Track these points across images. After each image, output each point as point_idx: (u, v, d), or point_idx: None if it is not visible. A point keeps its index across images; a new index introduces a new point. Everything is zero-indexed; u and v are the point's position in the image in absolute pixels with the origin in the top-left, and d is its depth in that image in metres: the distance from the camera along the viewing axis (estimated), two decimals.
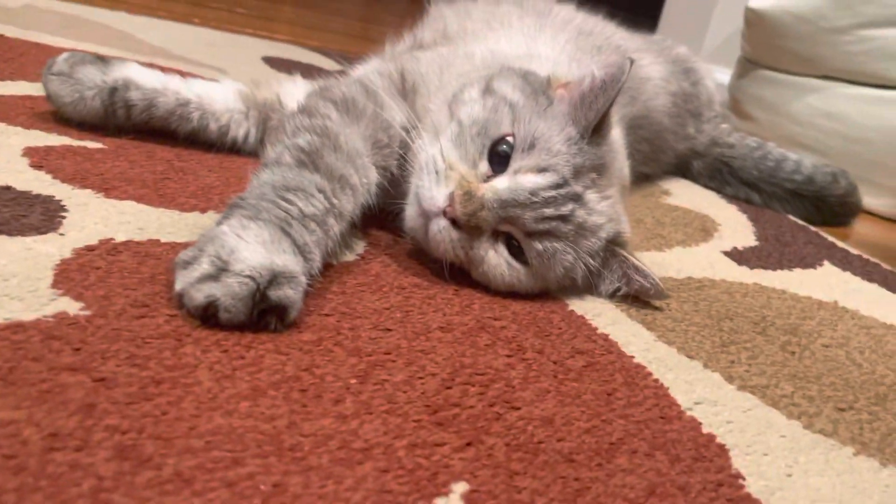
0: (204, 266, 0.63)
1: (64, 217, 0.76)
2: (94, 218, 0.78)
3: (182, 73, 1.39)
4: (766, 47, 1.99)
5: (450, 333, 0.73)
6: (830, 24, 1.81)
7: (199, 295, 0.62)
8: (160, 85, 0.99)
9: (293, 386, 0.59)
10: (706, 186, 1.59)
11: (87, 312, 0.61)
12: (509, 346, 0.73)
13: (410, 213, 0.84)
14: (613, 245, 0.85)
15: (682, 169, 1.60)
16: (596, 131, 0.84)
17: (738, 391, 0.75)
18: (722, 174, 1.57)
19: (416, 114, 0.91)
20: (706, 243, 1.21)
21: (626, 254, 0.85)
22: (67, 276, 0.66)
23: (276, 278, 0.65)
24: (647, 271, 0.85)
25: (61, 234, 0.73)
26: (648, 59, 1.40)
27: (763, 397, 0.75)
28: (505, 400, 0.64)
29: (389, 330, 0.71)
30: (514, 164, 0.81)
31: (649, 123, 1.33)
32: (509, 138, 0.81)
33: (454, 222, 0.79)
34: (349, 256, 0.84)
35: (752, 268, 1.14)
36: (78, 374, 0.54)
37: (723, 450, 0.64)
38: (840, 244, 1.40)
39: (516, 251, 0.82)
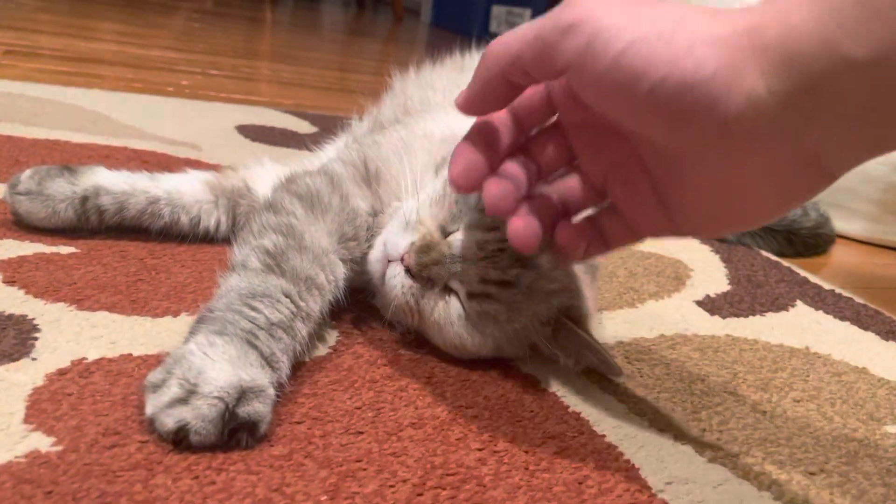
0: (173, 390, 0.65)
1: (36, 339, 0.78)
2: (67, 335, 0.79)
3: (156, 153, 1.41)
4: None
5: (421, 430, 0.74)
6: None
7: (170, 420, 0.63)
8: (129, 187, 1.02)
9: None
10: None
11: (59, 448, 0.62)
12: (480, 437, 0.74)
13: (374, 256, 0.88)
14: (565, 317, 0.84)
15: None
16: None
17: (709, 464, 0.76)
18: None
19: (380, 199, 0.94)
20: (678, 293, 1.22)
21: (576, 329, 0.84)
22: (39, 408, 0.67)
23: (244, 395, 0.66)
24: (598, 348, 0.83)
25: (34, 359, 0.74)
26: None
27: (734, 468, 0.76)
28: (476, 502, 0.65)
29: (361, 433, 0.72)
30: (468, 220, 0.83)
31: None
32: None
33: (409, 271, 0.83)
34: (321, 350, 0.86)
35: (724, 317, 1.16)
36: None
37: None
38: (813, 279, 1.42)
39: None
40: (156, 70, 2.36)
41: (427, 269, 0.82)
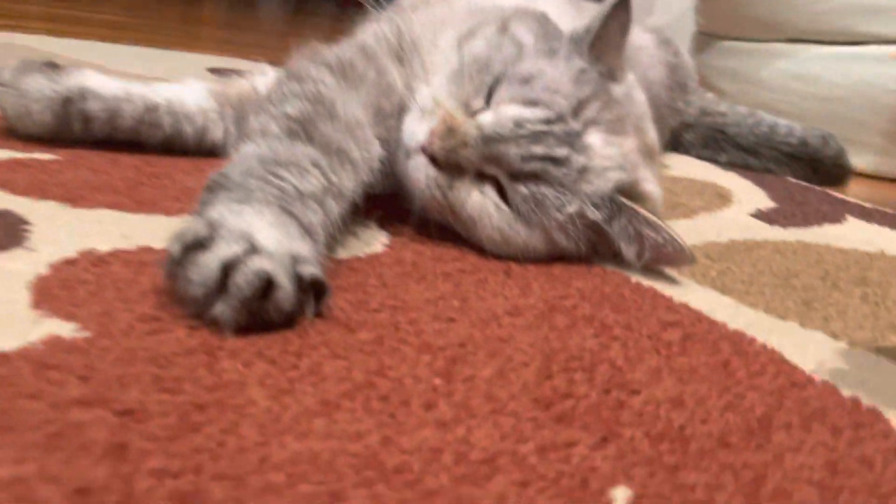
0: (234, 247, 0.50)
1: (28, 231, 0.62)
2: (66, 230, 0.64)
3: None
4: (725, 18, 1.95)
5: (520, 318, 0.61)
6: None
7: (250, 272, 0.49)
8: (122, 92, 0.85)
9: (370, 394, 0.46)
10: (699, 157, 1.51)
11: (86, 334, 0.47)
12: (591, 325, 0.62)
13: (399, 157, 0.74)
14: (622, 196, 0.73)
15: (673, 143, 1.52)
16: (599, 53, 0.75)
17: (851, 348, 0.65)
18: (717, 142, 1.50)
19: (416, 77, 0.80)
20: (728, 208, 1.12)
21: (634, 207, 0.72)
22: (50, 294, 0.52)
23: (297, 261, 0.54)
24: (661, 226, 0.71)
25: (31, 250, 0.58)
26: (637, 28, 1.31)
27: (877, 353, 0.65)
28: (618, 384, 0.52)
29: (453, 320, 0.58)
30: (499, 95, 0.72)
31: (650, 98, 1.24)
32: None
33: (434, 160, 0.70)
34: (376, 247, 0.72)
35: (784, 227, 1.06)
36: (93, 408, 0.40)
37: (875, 413, 0.54)
38: (851, 200, 1.34)
39: (507, 196, 0.72)
40: (105, 27, 2.17)
41: (454, 153, 0.69)
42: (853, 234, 1.08)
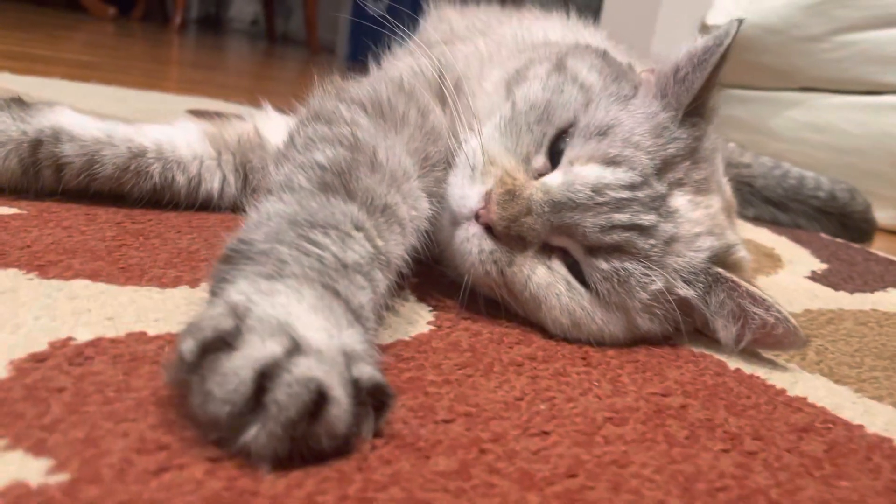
0: (270, 346, 0.37)
1: None
2: (33, 309, 0.49)
3: None
4: (732, 65, 1.87)
5: (628, 426, 0.47)
6: (804, 33, 1.70)
7: (298, 384, 0.36)
8: (103, 133, 0.70)
9: None
10: None
11: (64, 476, 0.33)
12: (714, 434, 0.48)
13: (442, 223, 0.62)
14: (717, 266, 0.61)
15: None
16: (694, 112, 0.62)
17: None
18: (742, 195, 1.39)
19: (460, 120, 0.67)
20: (783, 270, 1.01)
21: (734, 279, 0.60)
22: (12, 411, 0.37)
23: (350, 359, 0.40)
24: (769, 302, 0.59)
25: None
26: None
27: None
28: None
29: (547, 433, 0.45)
30: (572, 152, 0.59)
31: None
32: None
33: (489, 229, 0.58)
34: (421, 327, 0.58)
35: (850, 292, 0.95)
36: None
37: None
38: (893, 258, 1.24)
39: (579, 272, 0.59)
40: (71, 66, 2.02)
41: (516, 223, 0.57)
42: None
